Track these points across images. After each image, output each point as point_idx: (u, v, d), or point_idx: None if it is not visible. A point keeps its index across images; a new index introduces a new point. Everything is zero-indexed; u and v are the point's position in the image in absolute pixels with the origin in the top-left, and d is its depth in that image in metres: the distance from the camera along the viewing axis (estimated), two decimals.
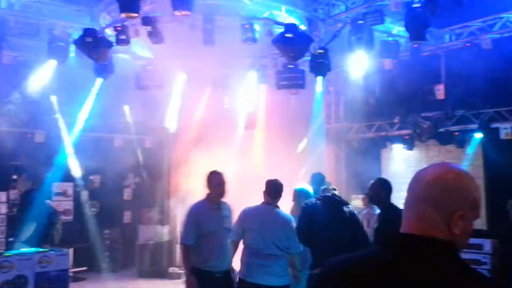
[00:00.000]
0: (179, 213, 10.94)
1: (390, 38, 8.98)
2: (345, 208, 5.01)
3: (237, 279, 5.12)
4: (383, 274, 1.33)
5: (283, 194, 5.14)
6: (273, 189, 5.05)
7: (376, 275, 1.34)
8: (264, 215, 4.98)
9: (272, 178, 5.17)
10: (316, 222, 4.75)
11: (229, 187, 5.13)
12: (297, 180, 7.41)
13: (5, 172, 9.88)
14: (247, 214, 5.04)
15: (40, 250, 7.70)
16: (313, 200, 5.12)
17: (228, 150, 10.40)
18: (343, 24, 8.73)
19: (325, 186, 5.52)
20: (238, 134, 11.00)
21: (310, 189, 5.71)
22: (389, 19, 8.54)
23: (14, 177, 9.82)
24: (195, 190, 9.24)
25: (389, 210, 4.92)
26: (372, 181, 5.33)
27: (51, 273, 7.01)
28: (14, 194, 9.79)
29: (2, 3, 8.15)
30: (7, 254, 7.18)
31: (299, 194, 5.62)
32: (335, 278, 1.40)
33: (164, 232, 11.17)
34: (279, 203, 5.13)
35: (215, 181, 5.04)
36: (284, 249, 4.89)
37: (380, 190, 5.13)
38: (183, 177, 10.60)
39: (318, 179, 5.99)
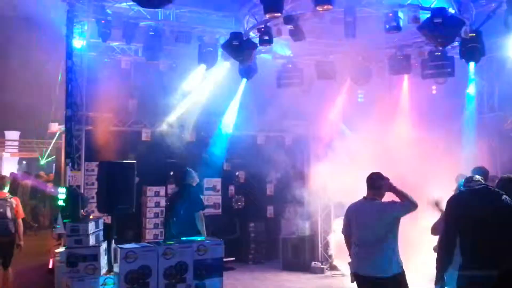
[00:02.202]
0: (319, 209, 11.03)
1: None
2: (504, 201, 4.28)
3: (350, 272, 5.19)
4: None
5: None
6: (368, 182, 5.03)
7: None
8: (361, 208, 5.04)
9: (373, 171, 5.08)
10: (466, 217, 4.35)
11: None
12: (449, 176, 6.96)
13: (163, 168, 10.88)
14: (349, 209, 5.20)
15: (198, 239, 8.36)
16: (463, 190, 4.68)
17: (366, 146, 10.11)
18: (498, 3, 7.94)
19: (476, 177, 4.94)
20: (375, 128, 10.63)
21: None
22: None
23: (171, 173, 10.78)
24: (335, 188, 9.26)
25: None
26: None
27: (208, 261, 7.45)
28: (171, 188, 10.74)
29: (159, 15, 9.01)
30: (169, 242, 7.95)
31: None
32: None
33: (305, 227, 11.31)
34: None
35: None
36: (385, 239, 4.77)
37: None
38: (322, 174, 10.60)
39: (481, 174, 5.47)
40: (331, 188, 9.70)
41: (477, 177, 4.65)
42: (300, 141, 12.26)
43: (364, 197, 5.06)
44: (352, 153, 9.43)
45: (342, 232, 5.25)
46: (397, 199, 4.95)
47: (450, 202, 4.58)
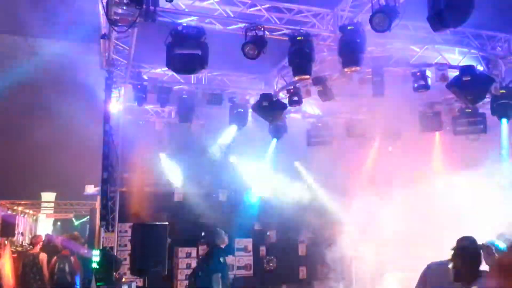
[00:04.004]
0: (353, 269, 10.67)
1: None
2: None
3: None
4: None
5: None
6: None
7: None
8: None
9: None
10: None
11: None
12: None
13: (194, 229, 10.86)
14: (430, 269, 4.53)
15: None
16: None
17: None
18: None
19: None
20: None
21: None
22: None
23: (202, 233, 10.75)
24: None
25: None
26: None
27: None
28: (202, 250, 10.66)
29: (192, 79, 9.36)
30: None
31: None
32: None
33: None
34: None
35: None
36: None
37: None
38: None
39: None
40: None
41: None
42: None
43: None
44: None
45: None
46: None
47: None
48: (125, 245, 9.56)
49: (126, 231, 9.75)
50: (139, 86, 8.84)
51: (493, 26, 7.88)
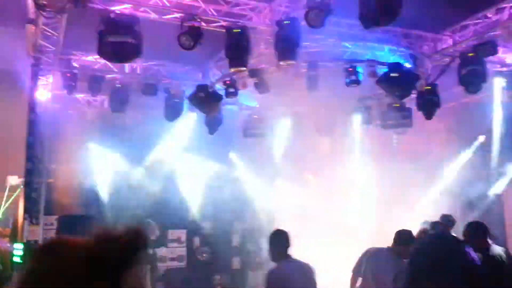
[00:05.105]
0: None
1: (504, 69, 8.51)
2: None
3: None
4: None
5: None
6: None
7: None
8: (382, 260, 5.00)
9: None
10: None
11: None
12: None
13: (126, 220, 10.60)
14: (368, 253, 5.16)
15: None
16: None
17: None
18: (451, 59, 8.45)
19: None
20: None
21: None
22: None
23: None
24: None
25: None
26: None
27: None
28: None
29: (125, 68, 9.07)
30: None
31: None
32: None
33: None
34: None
35: None
36: None
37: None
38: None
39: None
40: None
41: None
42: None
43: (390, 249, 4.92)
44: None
45: (353, 270, 5.15)
46: None
47: None
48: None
49: (52, 224, 9.34)
50: (68, 74, 8.43)
51: (421, 26, 8.30)
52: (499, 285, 4.23)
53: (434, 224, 6.43)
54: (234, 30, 7.03)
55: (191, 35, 6.65)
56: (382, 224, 8.22)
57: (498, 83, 8.89)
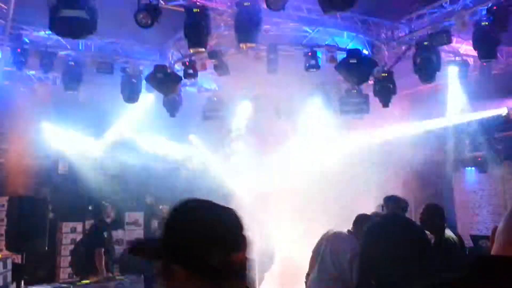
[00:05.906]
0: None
1: (457, 58, 8.76)
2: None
3: None
4: None
5: None
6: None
7: None
8: None
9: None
10: None
11: None
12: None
13: (81, 203, 10.37)
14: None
15: (116, 277, 8.03)
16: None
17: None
18: (408, 46, 8.62)
19: None
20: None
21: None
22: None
23: (90, 207, 10.31)
24: None
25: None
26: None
27: None
28: (89, 224, 10.25)
29: (79, 45, 8.76)
30: (85, 282, 7.56)
31: None
32: None
33: None
34: None
35: None
36: None
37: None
38: None
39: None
40: None
41: None
42: None
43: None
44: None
45: (313, 251, 5.16)
46: None
47: None
48: (2, 220, 8.85)
49: (3, 205, 9.02)
50: (18, 50, 8.06)
51: (379, 13, 8.40)
52: (451, 264, 4.45)
53: (385, 205, 6.60)
54: (194, 10, 6.90)
55: (149, 12, 6.48)
56: (342, 207, 8.35)
57: (452, 72, 9.15)
